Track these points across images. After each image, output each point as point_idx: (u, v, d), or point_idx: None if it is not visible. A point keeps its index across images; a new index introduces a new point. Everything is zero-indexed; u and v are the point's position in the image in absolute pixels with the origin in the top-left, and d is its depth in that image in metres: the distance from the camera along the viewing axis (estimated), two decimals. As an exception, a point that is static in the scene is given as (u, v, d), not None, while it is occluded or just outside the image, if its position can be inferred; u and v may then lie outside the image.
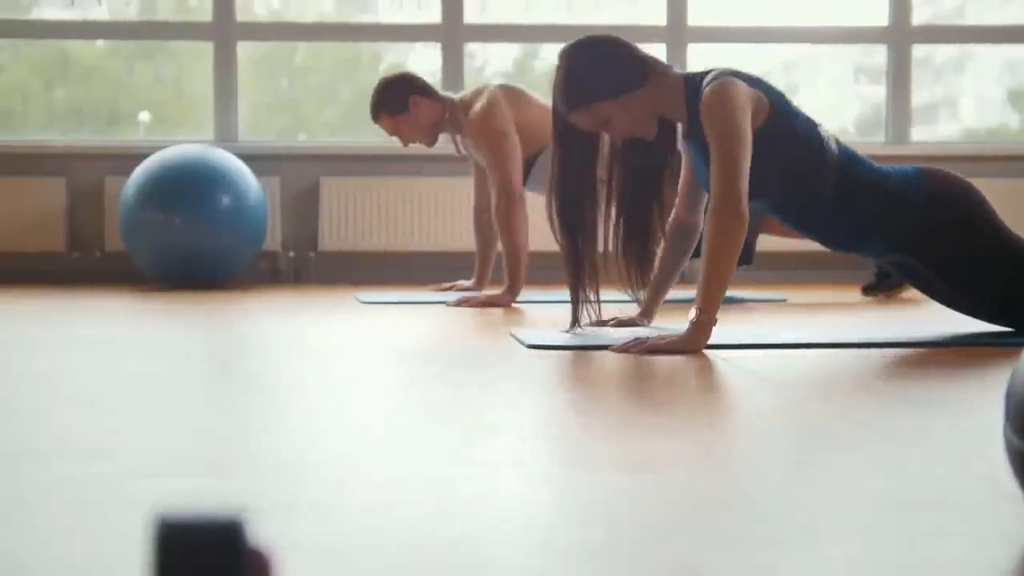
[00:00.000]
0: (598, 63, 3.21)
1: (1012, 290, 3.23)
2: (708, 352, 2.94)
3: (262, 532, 1.29)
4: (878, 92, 8.30)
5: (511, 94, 4.83)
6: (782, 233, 4.60)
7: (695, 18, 6.56)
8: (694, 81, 3.19)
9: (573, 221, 3.31)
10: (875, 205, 3.19)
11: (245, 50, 6.62)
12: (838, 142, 3.24)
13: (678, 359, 2.84)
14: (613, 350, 2.97)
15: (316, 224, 6.35)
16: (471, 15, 6.61)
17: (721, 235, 2.98)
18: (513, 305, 4.64)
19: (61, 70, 7.41)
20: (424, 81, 4.99)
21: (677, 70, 3.26)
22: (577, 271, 3.31)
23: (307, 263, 6.36)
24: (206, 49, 6.52)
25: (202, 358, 2.97)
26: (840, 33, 6.84)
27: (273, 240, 6.25)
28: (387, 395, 2.41)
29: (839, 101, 8.16)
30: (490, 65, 7.63)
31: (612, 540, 1.28)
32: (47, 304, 4.74)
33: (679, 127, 3.31)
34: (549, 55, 7.49)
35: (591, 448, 1.81)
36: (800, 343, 3.12)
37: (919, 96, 9.35)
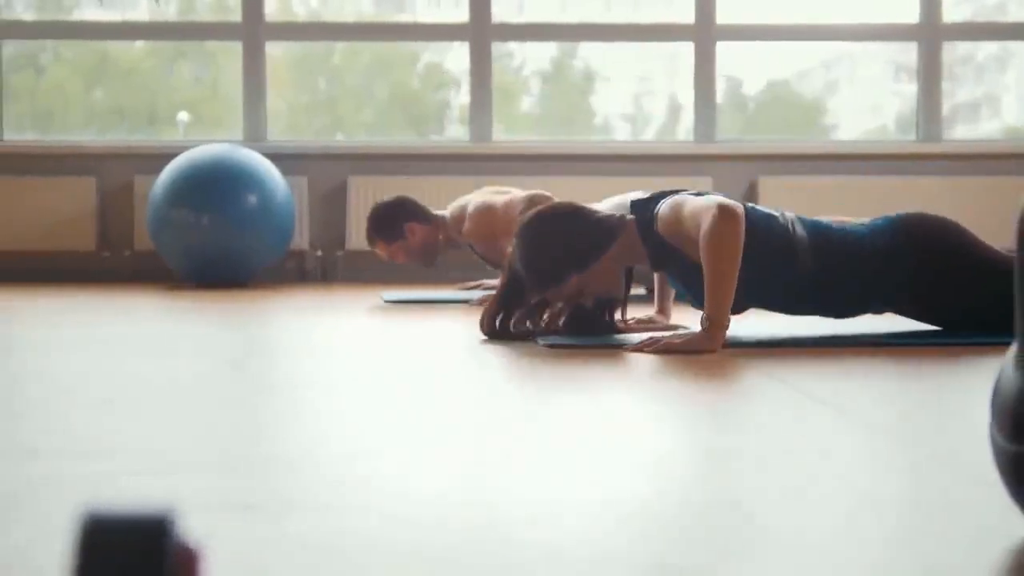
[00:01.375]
0: (562, 238, 3.17)
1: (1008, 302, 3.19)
2: (723, 350, 2.93)
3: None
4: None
5: (498, 191, 4.86)
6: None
7: (724, 16, 6.54)
8: (644, 217, 3.17)
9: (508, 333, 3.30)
10: (862, 267, 3.15)
11: (282, 50, 6.66)
12: (802, 220, 3.20)
13: (691, 357, 2.83)
14: (627, 350, 2.96)
15: (344, 223, 6.37)
16: (507, 14, 6.61)
17: (719, 237, 2.94)
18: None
19: (101, 71, 7.48)
20: (418, 205, 5.03)
21: (629, 215, 3.23)
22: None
23: (334, 262, 6.38)
24: (233, 48, 6.56)
25: (215, 357, 2.98)
26: (870, 31, 6.80)
27: (301, 239, 6.28)
28: (394, 394, 2.42)
29: (878, 99, 8.11)
30: (527, 65, 7.64)
31: (623, 542, 1.28)
32: (75, 303, 4.77)
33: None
34: (587, 54, 7.49)
35: (599, 447, 1.81)
36: (810, 340, 3.10)
37: (961, 94, 9.28)
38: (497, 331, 3.28)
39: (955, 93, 6.88)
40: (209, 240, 5.60)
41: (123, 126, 7.26)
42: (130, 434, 1.92)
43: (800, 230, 3.15)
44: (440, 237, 5.01)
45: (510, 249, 3.26)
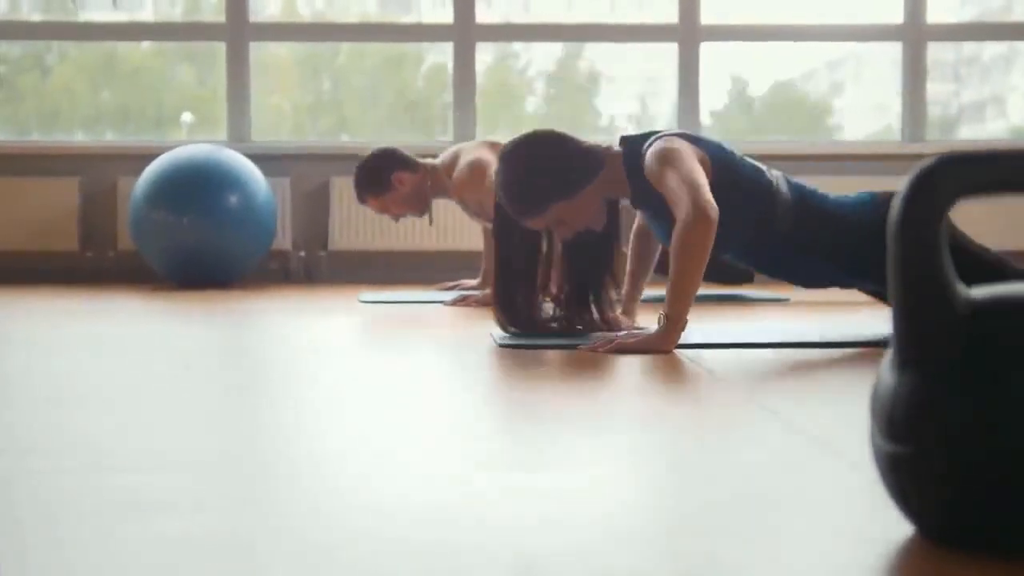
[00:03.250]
0: (545, 165, 3.14)
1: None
2: (677, 351, 2.92)
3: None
4: (928, 90, 8.17)
5: (493, 147, 4.83)
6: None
7: (708, 16, 6.53)
8: (634, 151, 3.16)
9: (514, 312, 3.26)
10: (836, 237, 3.14)
11: (286, 51, 6.66)
12: (788, 181, 3.20)
13: (646, 358, 2.83)
14: (582, 349, 2.96)
15: (327, 224, 6.37)
16: (514, 14, 6.61)
17: (689, 237, 2.94)
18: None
19: (107, 71, 7.50)
20: (403, 154, 5.00)
21: (616, 148, 3.22)
22: (511, 322, 3.26)
23: (317, 263, 6.39)
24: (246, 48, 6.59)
25: (174, 357, 2.98)
26: (854, 31, 6.80)
27: (284, 240, 6.28)
28: (351, 394, 2.42)
29: (885, 99, 8.10)
30: (533, 65, 7.64)
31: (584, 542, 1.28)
32: (56, 303, 4.78)
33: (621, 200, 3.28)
34: (592, 54, 7.50)
35: (546, 447, 1.81)
36: (762, 343, 3.09)
37: (967, 94, 9.23)
38: (516, 317, 3.23)
39: (961, 94, 6.85)
40: (190, 241, 5.60)
41: (129, 127, 7.28)
42: (71, 431, 1.92)
43: (785, 189, 3.16)
44: (428, 184, 4.98)
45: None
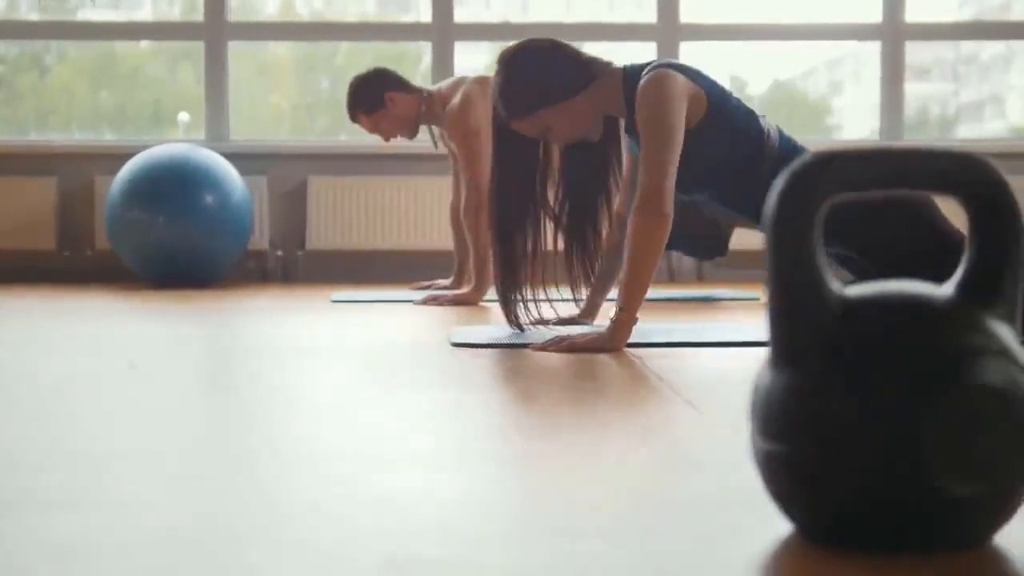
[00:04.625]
0: (540, 69, 3.17)
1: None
2: (628, 350, 2.92)
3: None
4: (923, 89, 8.17)
5: (488, 86, 4.79)
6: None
7: (687, 15, 6.52)
8: (635, 75, 3.16)
9: (511, 228, 3.27)
10: None
11: (285, 50, 6.66)
12: (780, 132, 3.21)
13: (598, 356, 2.83)
14: (532, 349, 2.96)
15: (304, 223, 6.37)
16: (512, 14, 6.61)
17: (643, 234, 2.95)
18: (481, 303, 4.64)
19: (105, 71, 7.50)
20: (398, 75, 4.99)
21: (618, 66, 3.24)
22: (510, 274, 3.28)
23: (295, 262, 6.39)
24: (246, 48, 6.59)
25: (119, 356, 2.98)
26: (832, 30, 6.79)
27: (261, 239, 6.28)
28: (302, 394, 2.42)
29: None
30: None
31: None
32: (32, 302, 4.78)
33: (621, 122, 3.29)
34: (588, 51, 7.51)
35: (477, 445, 1.81)
36: (717, 342, 3.09)
37: (966, 94, 9.21)
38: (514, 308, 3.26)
39: (960, 93, 6.85)
40: (165, 240, 5.59)
41: (127, 126, 7.29)
42: (35, 436, 1.92)
43: (775, 139, 3.16)
44: (422, 109, 4.97)
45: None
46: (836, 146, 1.12)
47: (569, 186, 3.33)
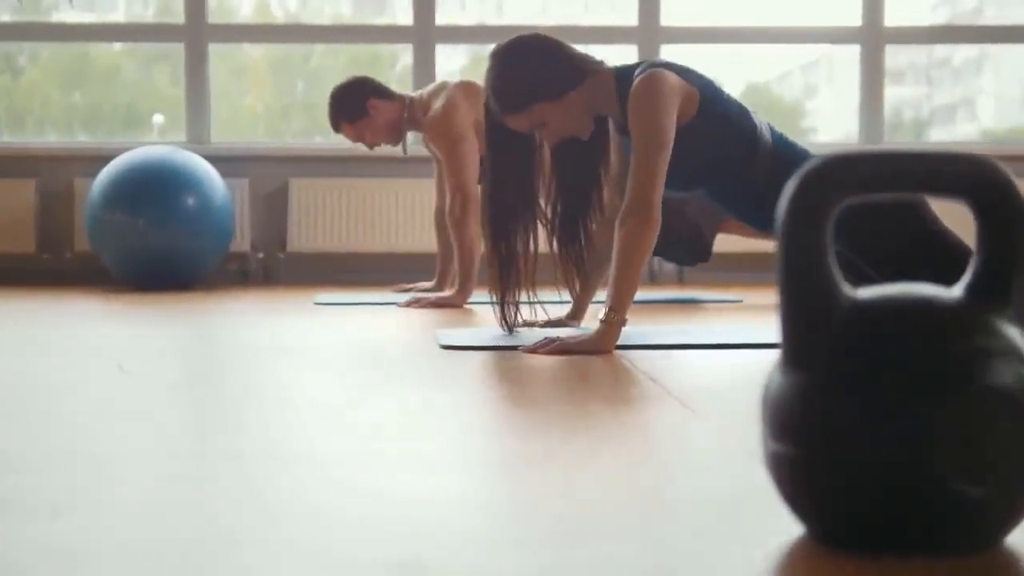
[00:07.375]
0: (533, 64, 3.18)
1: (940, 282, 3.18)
2: (618, 352, 2.93)
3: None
4: (900, 93, 8.17)
5: (470, 91, 4.78)
6: (741, 233, 4.56)
7: (668, 18, 6.54)
8: (627, 75, 3.17)
9: (505, 228, 3.28)
10: None
11: (261, 52, 6.65)
12: (772, 129, 3.23)
13: (589, 358, 2.83)
14: (522, 350, 2.96)
15: (285, 225, 6.35)
16: (492, 17, 6.60)
17: (631, 239, 2.96)
18: (465, 306, 4.63)
19: (79, 73, 7.46)
20: (378, 83, 4.98)
21: (609, 65, 3.24)
22: (506, 275, 3.28)
23: (276, 264, 6.37)
24: (221, 50, 6.56)
25: (104, 360, 2.96)
26: (812, 34, 6.81)
27: (243, 241, 6.26)
28: (295, 396, 2.41)
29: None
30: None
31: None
32: (10, 305, 4.75)
33: (611, 122, 3.30)
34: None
35: (462, 445, 1.80)
36: (703, 344, 3.10)
37: (939, 97, 9.23)
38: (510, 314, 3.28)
39: (933, 96, 6.87)
40: (145, 243, 5.56)
41: (101, 128, 7.25)
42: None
43: (767, 135, 3.17)
44: (405, 115, 4.96)
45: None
46: (823, 150, 1.12)
47: (561, 186, 3.34)
